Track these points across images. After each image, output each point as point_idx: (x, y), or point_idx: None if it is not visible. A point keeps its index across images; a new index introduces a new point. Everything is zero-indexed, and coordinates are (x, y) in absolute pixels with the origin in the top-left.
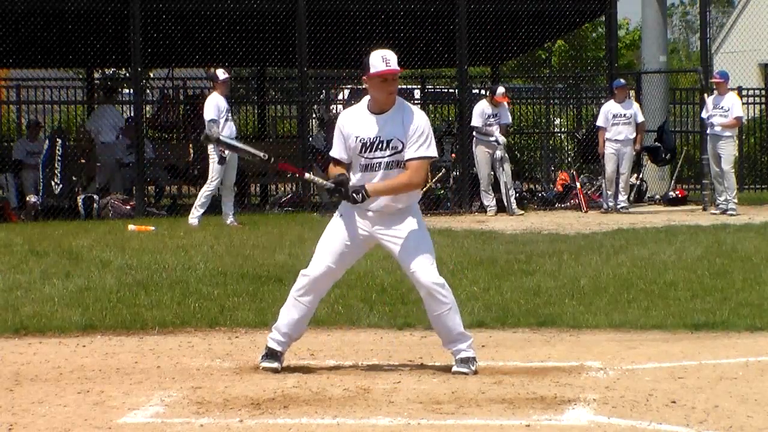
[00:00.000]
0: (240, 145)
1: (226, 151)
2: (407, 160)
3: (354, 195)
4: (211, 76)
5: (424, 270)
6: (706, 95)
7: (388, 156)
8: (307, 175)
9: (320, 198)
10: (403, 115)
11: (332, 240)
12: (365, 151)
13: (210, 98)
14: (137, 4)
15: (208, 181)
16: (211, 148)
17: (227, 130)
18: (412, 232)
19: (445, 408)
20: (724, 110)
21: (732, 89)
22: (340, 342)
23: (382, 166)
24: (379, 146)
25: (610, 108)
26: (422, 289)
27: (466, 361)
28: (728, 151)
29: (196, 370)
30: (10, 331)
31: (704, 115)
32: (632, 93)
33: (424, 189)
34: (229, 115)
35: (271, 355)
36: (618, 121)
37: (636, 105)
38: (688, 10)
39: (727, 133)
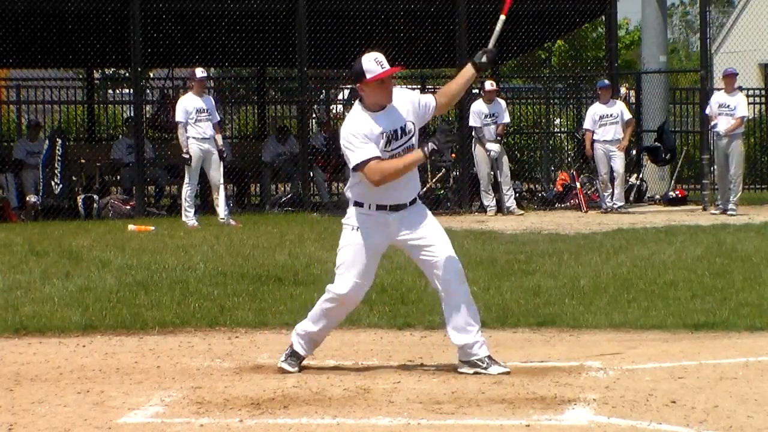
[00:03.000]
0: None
1: (198, 150)
2: (435, 101)
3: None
4: (188, 75)
5: (452, 254)
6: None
7: (406, 142)
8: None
9: (320, 198)
10: (398, 102)
11: (356, 256)
12: (388, 145)
13: (180, 100)
14: (137, 4)
15: (185, 183)
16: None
17: (203, 130)
18: (431, 223)
19: (445, 408)
20: (731, 108)
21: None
22: (340, 342)
23: (401, 154)
24: (396, 136)
25: (596, 110)
26: (450, 273)
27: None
28: (737, 151)
29: (196, 370)
30: (10, 331)
31: (708, 112)
32: (632, 93)
33: (425, 189)
34: (203, 115)
35: (294, 356)
36: (605, 122)
37: (621, 104)
38: (688, 10)
39: (735, 132)
